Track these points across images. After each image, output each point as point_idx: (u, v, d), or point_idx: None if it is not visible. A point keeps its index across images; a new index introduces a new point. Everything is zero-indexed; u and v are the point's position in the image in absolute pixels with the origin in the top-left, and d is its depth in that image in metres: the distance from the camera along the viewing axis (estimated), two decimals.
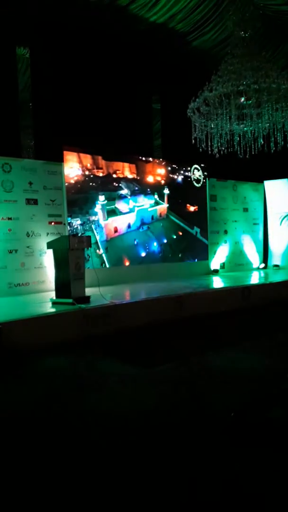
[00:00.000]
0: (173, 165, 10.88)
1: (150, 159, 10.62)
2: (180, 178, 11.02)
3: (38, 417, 3.59)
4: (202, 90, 8.35)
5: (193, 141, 8.90)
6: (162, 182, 10.64)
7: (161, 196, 10.62)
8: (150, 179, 10.38)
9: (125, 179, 9.89)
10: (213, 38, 10.45)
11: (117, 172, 9.75)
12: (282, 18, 10.05)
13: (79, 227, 8.89)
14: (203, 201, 11.44)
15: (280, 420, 3.07)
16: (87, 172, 9.16)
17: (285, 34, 10.61)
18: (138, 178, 10.16)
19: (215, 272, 11.34)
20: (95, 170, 9.33)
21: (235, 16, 8.43)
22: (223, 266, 11.70)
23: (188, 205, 11.17)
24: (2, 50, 8.85)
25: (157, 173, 10.56)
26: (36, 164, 8.53)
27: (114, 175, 9.70)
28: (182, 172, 11.04)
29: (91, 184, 9.23)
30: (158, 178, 10.57)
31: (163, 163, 10.77)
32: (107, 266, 9.33)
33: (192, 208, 11.23)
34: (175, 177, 10.94)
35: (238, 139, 9.11)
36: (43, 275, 8.37)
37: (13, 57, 9.15)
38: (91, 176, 9.25)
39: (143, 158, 10.36)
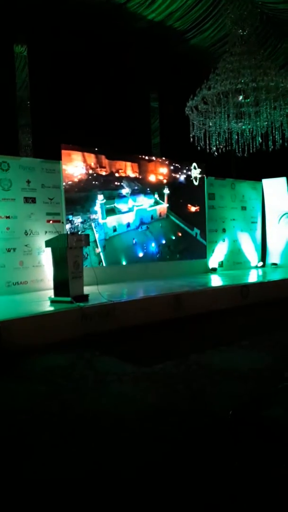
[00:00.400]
0: (175, 164, 10.79)
1: (153, 158, 10.58)
2: (182, 178, 10.91)
3: (36, 416, 3.58)
4: (200, 88, 8.36)
5: (191, 139, 8.90)
6: (164, 181, 10.54)
7: (161, 196, 10.57)
8: (150, 178, 10.31)
9: (126, 178, 9.85)
10: (211, 36, 10.45)
11: (120, 171, 9.71)
12: (280, 16, 10.06)
13: (79, 225, 8.89)
14: (203, 202, 11.40)
15: (278, 419, 3.07)
16: (90, 171, 9.14)
17: (284, 32, 10.63)
18: (140, 177, 10.10)
19: (213, 270, 11.33)
20: (98, 169, 9.30)
21: (233, 14, 8.43)
22: (221, 264, 11.70)
23: (189, 205, 11.08)
24: (0, 48, 8.83)
25: (157, 172, 10.49)
26: (34, 163, 8.51)
27: (117, 174, 9.66)
28: (183, 171, 10.97)
29: (92, 182, 9.20)
30: (159, 177, 10.49)
31: (166, 162, 10.69)
32: (104, 264, 9.31)
33: (193, 209, 11.15)
34: (176, 176, 10.84)
35: (236, 137, 9.12)
36: (42, 274, 8.36)
37: (10, 55, 9.14)
38: (94, 174, 9.22)
39: (143, 157, 10.30)
